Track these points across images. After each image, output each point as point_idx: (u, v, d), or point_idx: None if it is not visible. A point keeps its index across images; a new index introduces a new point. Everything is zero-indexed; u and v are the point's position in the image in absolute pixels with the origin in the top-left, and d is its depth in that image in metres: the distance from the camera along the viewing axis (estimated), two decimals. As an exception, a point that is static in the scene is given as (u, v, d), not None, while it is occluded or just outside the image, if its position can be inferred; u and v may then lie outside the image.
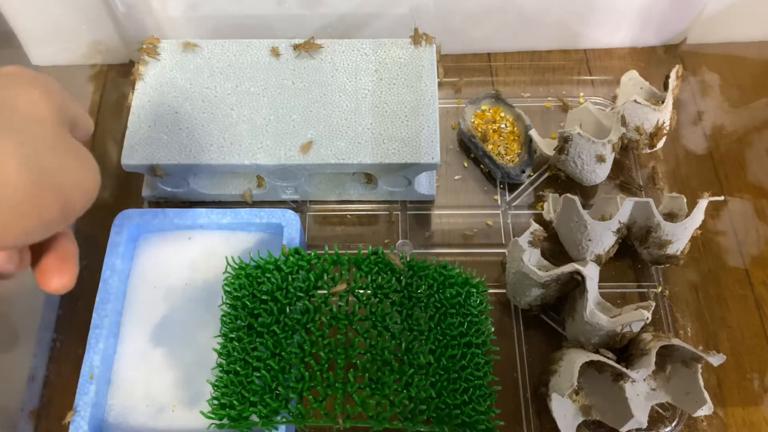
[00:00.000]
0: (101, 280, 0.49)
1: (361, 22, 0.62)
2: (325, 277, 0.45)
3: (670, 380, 0.48)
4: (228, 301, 0.45)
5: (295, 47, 0.55)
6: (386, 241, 0.57)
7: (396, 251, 0.48)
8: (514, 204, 0.59)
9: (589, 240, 0.50)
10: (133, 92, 0.53)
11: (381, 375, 0.42)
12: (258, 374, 0.42)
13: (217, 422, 0.41)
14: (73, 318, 0.53)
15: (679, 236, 0.50)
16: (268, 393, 0.42)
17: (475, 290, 0.46)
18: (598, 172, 0.55)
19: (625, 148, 0.57)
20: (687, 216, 0.49)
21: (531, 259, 0.50)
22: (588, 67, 0.66)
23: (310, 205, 0.58)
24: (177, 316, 0.49)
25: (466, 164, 0.61)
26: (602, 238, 0.50)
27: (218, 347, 0.44)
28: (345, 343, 0.43)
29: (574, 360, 0.45)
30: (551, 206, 0.55)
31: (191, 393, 0.47)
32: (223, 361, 0.43)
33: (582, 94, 0.64)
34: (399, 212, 0.58)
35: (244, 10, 0.60)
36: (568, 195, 0.50)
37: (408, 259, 0.46)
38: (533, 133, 0.58)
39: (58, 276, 0.32)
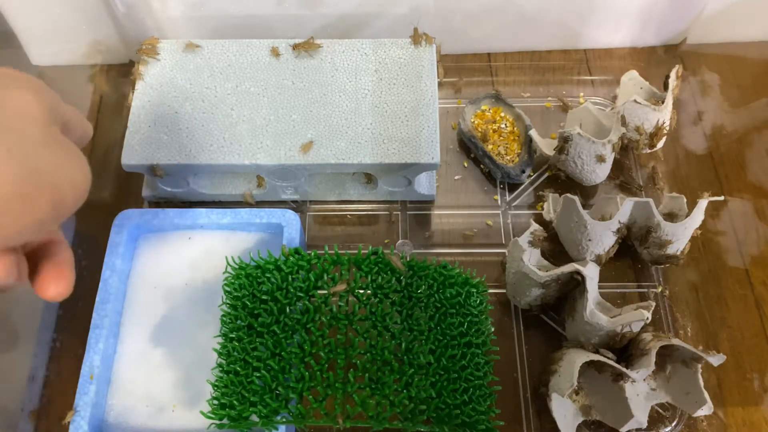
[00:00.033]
0: (101, 280, 0.49)
1: (361, 22, 0.62)
2: (325, 277, 0.45)
3: (670, 380, 0.48)
4: (228, 301, 0.45)
5: (295, 47, 0.55)
6: (386, 241, 0.57)
7: (396, 251, 0.48)
8: (514, 204, 0.58)
9: (589, 240, 0.50)
10: (133, 92, 0.53)
11: (381, 375, 0.42)
12: (258, 374, 0.42)
13: (217, 422, 0.41)
14: (73, 318, 0.53)
15: (679, 236, 0.50)
16: (268, 393, 0.42)
17: (475, 290, 0.46)
18: (598, 172, 0.55)
19: (625, 148, 0.57)
20: (687, 216, 0.49)
21: (531, 259, 0.50)
22: (588, 67, 0.66)
23: (310, 205, 0.58)
24: (177, 316, 0.49)
25: (466, 164, 0.61)
26: (602, 238, 0.50)
27: (218, 347, 0.44)
28: (345, 343, 0.43)
29: (574, 360, 0.45)
30: (551, 206, 0.55)
31: (191, 393, 0.47)
32: (223, 361, 0.43)
33: (582, 94, 0.64)
34: (399, 212, 0.58)
35: (244, 10, 0.60)
36: (568, 195, 0.50)
37: (408, 259, 0.46)
38: (533, 133, 0.58)
39: (55, 284, 0.32)
